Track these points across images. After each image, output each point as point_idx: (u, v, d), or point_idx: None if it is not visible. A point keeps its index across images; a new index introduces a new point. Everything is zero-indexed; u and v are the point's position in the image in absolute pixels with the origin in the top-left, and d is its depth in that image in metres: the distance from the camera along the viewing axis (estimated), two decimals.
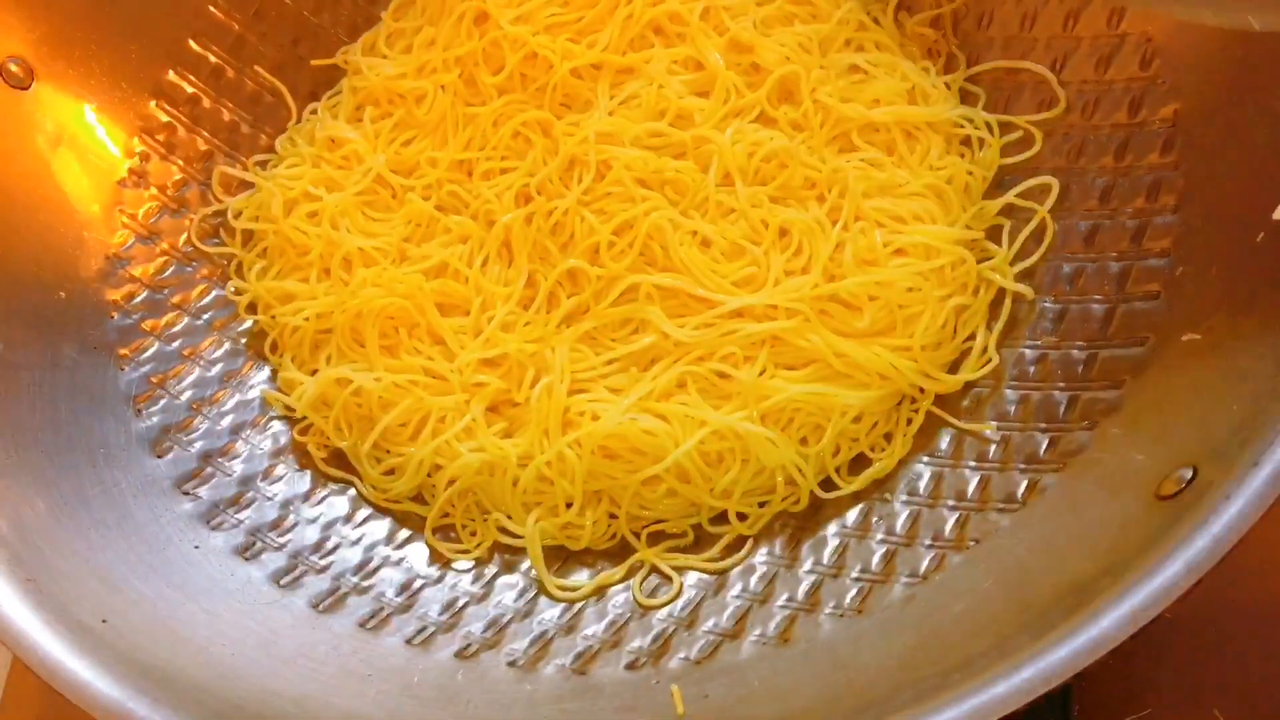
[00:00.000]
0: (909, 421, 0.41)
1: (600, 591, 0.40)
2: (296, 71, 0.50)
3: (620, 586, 0.40)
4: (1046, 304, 0.41)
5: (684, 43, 0.44)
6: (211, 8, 0.49)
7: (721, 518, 0.40)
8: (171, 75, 0.48)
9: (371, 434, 0.42)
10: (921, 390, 0.41)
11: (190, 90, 0.49)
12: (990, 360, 0.40)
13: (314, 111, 0.49)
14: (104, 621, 0.33)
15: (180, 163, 0.48)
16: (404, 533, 0.42)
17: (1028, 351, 0.40)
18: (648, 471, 0.39)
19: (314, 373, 0.44)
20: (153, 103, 0.48)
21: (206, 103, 0.49)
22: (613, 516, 0.40)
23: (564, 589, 0.40)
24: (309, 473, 0.43)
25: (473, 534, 0.42)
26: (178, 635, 0.35)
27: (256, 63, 0.50)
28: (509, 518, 0.41)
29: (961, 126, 0.44)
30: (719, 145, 0.42)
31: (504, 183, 0.44)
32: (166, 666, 0.33)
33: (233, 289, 0.47)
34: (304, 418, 0.44)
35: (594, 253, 0.42)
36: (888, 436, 0.41)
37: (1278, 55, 0.36)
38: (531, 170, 0.43)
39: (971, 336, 0.41)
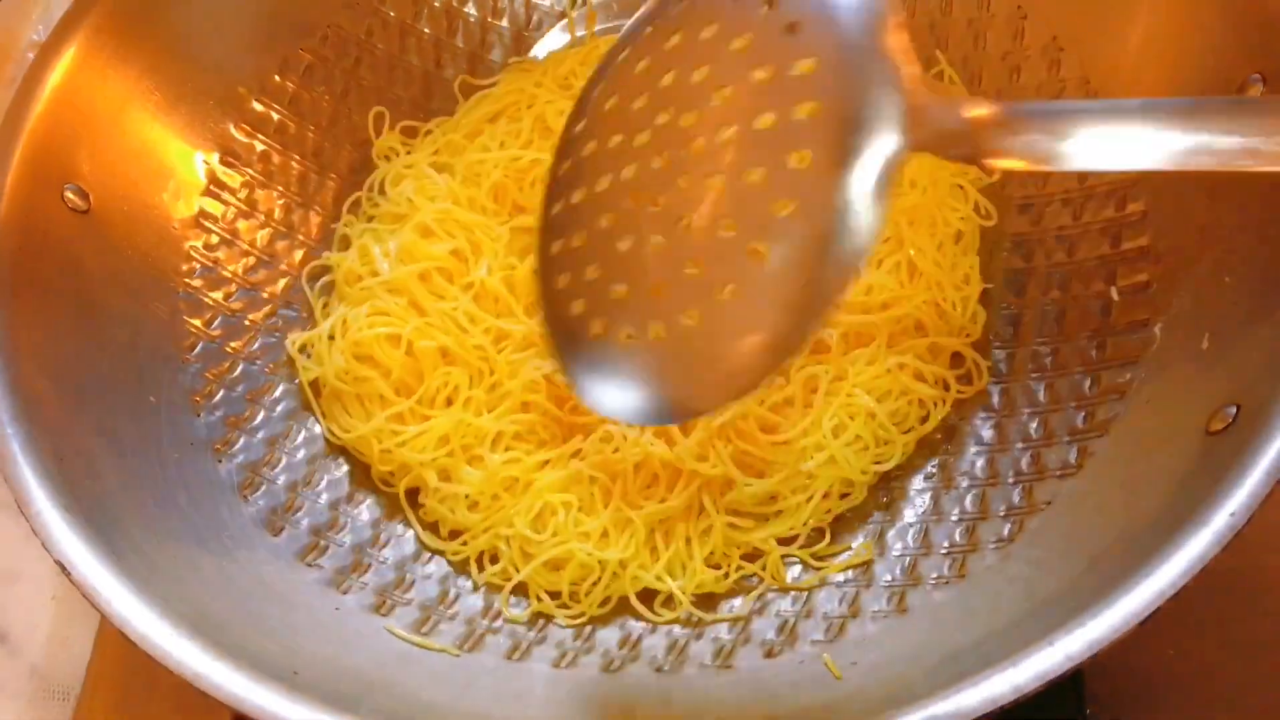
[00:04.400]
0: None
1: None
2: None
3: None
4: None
5: None
6: (255, 103, 0.52)
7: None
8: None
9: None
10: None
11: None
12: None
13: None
14: (295, 674, 0.35)
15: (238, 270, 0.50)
16: None
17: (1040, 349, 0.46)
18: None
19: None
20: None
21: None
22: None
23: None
24: (411, 535, 0.47)
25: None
26: (360, 678, 0.38)
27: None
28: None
29: None
30: None
31: None
32: (363, 699, 0.35)
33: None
34: None
35: None
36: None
37: None
38: None
39: None
